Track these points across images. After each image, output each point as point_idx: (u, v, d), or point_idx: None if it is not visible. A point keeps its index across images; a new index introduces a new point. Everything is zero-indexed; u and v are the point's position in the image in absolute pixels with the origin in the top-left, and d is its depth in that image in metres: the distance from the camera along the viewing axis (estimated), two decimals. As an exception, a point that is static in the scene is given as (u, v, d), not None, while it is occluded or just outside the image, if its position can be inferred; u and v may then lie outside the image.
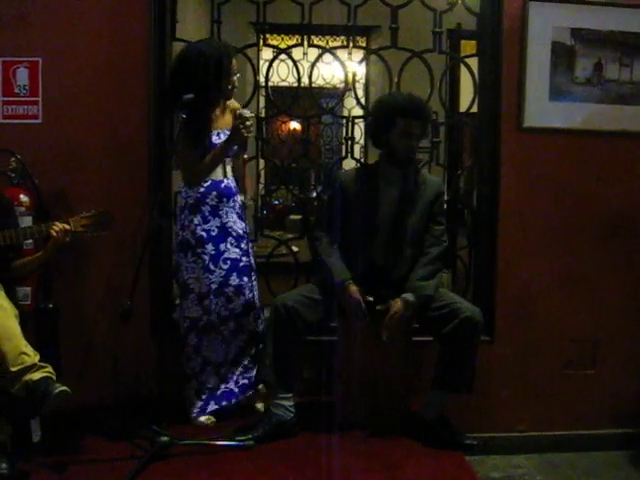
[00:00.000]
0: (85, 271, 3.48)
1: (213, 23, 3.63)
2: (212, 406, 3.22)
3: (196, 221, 3.20)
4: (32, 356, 2.66)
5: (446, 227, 3.34)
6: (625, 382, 3.72)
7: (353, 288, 3.10)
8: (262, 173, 7.22)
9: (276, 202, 8.14)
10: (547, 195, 3.63)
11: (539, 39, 3.51)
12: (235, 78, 3.24)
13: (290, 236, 4.24)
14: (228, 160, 3.30)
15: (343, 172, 3.64)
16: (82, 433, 3.08)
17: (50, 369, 2.69)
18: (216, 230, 3.21)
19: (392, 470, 2.86)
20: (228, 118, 3.27)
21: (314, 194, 7.75)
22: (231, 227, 3.24)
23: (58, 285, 3.33)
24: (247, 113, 3.17)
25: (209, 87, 3.13)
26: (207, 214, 3.20)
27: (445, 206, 3.56)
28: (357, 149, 5.58)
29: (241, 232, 3.28)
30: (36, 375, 2.62)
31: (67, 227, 2.92)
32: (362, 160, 5.06)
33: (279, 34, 7.52)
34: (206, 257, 3.19)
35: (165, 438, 2.84)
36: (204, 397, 3.22)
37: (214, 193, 3.21)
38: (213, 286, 3.19)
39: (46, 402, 2.60)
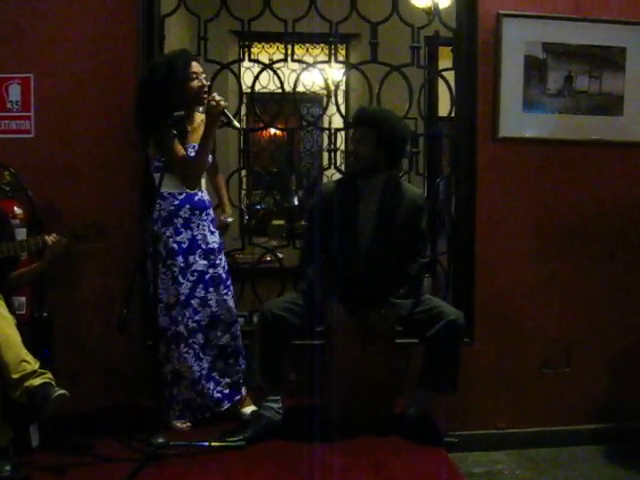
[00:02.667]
0: (78, 281, 3.56)
1: (200, 40, 3.73)
2: (188, 416, 3.28)
3: (168, 233, 3.20)
4: (32, 363, 2.74)
5: (428, 240, 3.41)
6: (598, 380, 3.86)
7: (332, 305, 3.20)
8: (244, 180, 7.30)
9: (258, 207, 8.16)
10: (522, 202, 3.76)
11: (512, 53, 3.65)
12: (197, 83, 3.20)
13: (275, 243, 4.34)
14: (203, 174, 3.30)
15: (325, 184, 3.69)
16: (79, 438, 3.14)
17: (50, 375, 2.76)
18: (187, 242, 3.22)
19: (377, 467, 2.95)
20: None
21: (295, 199, 7.84)
22: (201, 240, 3.25)
23: (52, 295, 3.42)
24: (213, 95, 3.16)
25: (164, 95, 3.11)
26: (179, 227, 3.21)
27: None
28: (338, 155, 5.69)
29: (211, 246, 3.28)
30: (37, 381, 2.70)
31: (62, 239, 3.01)
32: (343, 168, 5.17)
33: (259, 42, 7.60)
34: (176, 269, 3.19)
35: (160, 440, 2.91)
36: (179, 407, 3.27)
37: (187, 206, 3.22)
38: (181, 297, 3.20)
39: (46, 405, 2.68)
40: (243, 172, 5.71)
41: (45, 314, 3.35)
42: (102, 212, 3.44)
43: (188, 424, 3.26)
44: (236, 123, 3.20)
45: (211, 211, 3.35)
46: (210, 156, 3.32)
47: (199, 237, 3.25)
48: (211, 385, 3.29)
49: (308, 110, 7.62)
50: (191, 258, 3.22)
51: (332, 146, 4.07)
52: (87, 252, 3.31)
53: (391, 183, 3.31)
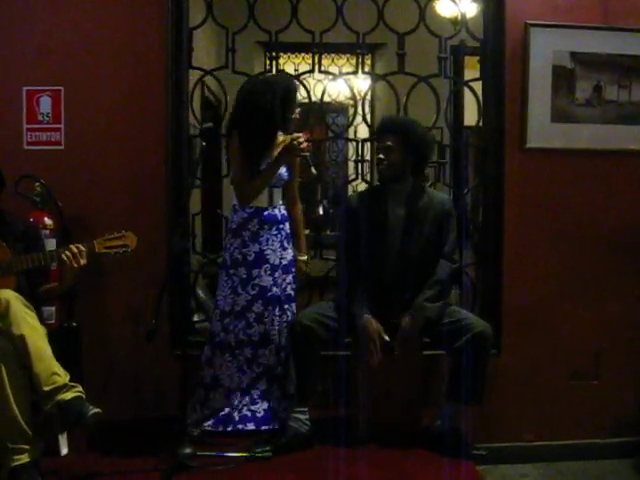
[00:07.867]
0: (107, 291, 3.60)
1: (227, 52, 3.76)
2: (210, 425, 3.26)
3: (236, 244, 3.31)
4: (63, 376, 2.74)
5: (457, 244, 3.41)
6: (628, 392, 3.81)
7: (372, 325, 3.18)
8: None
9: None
10: (550, 212, 3.73)
11: (540, 63, 3.63)
12: (297, 110, 3.35)
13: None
14: (276, 190, 3.35)
15: (352, 195, 3.74)
16: (106, 447, 3.17)
17: (80, 388, 2.76)
18: (253, 255, 3.29)
19: (404, 479, 2.95)
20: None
21: (321, 209, 7.86)
22: (269, 255, 3.31)
23: (81, 305, 3.45)
24: (300, 135, 3.25)
25: (274, 116, 3.20)
26: (247, 239, 3.30)
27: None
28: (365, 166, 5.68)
29: (278, 262, 3.33)
30: (68, 395, 2.70)
31: (81, 248, 2.95)
32: (368, 178, 5.19)
33: (285, 52, 7.63)
34: (237, 279, 3.29)
35: (188, 450, 2.93)
36: (206, 412, 3.28)
37: (255, 220, 3.30)
38: (236, 308, 3.28)
39: (80, 423, 2.69)
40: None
41: (74, 324, 3.39)
42: (130, 223, 3.42)
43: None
44: (314, 170, 3.30)
45: (286, 226, 3.39)
46: (286, 174, 3.36)
47: (268, 252, 3.31)
48: (245, 401, 3.29)
49: (334, 120, 7.62)
50: (255, 272, 3.28)
51: (359, 157, 4.06)
52: (115, 263, 3.32)
53: (417, 189, 3.37)
